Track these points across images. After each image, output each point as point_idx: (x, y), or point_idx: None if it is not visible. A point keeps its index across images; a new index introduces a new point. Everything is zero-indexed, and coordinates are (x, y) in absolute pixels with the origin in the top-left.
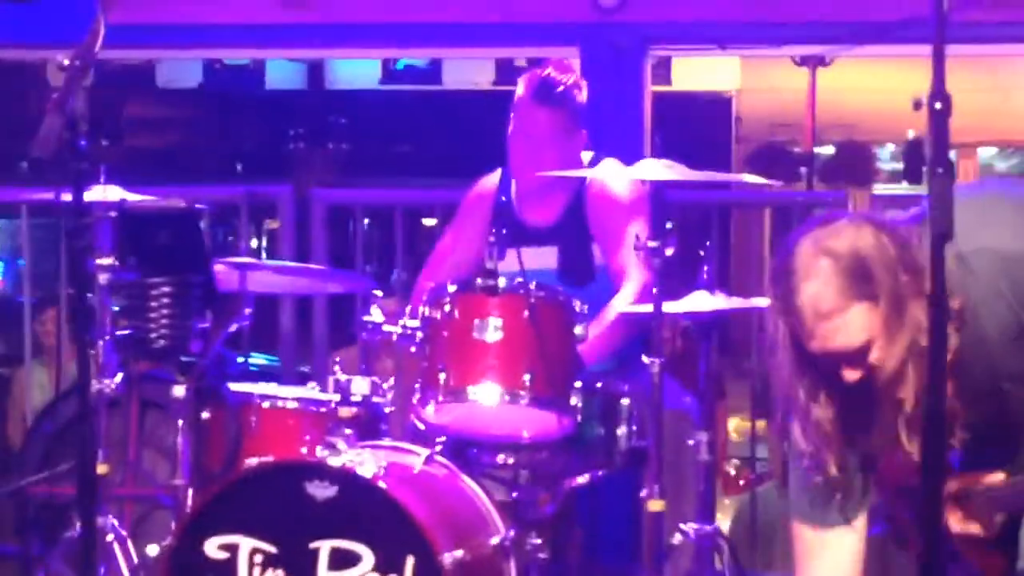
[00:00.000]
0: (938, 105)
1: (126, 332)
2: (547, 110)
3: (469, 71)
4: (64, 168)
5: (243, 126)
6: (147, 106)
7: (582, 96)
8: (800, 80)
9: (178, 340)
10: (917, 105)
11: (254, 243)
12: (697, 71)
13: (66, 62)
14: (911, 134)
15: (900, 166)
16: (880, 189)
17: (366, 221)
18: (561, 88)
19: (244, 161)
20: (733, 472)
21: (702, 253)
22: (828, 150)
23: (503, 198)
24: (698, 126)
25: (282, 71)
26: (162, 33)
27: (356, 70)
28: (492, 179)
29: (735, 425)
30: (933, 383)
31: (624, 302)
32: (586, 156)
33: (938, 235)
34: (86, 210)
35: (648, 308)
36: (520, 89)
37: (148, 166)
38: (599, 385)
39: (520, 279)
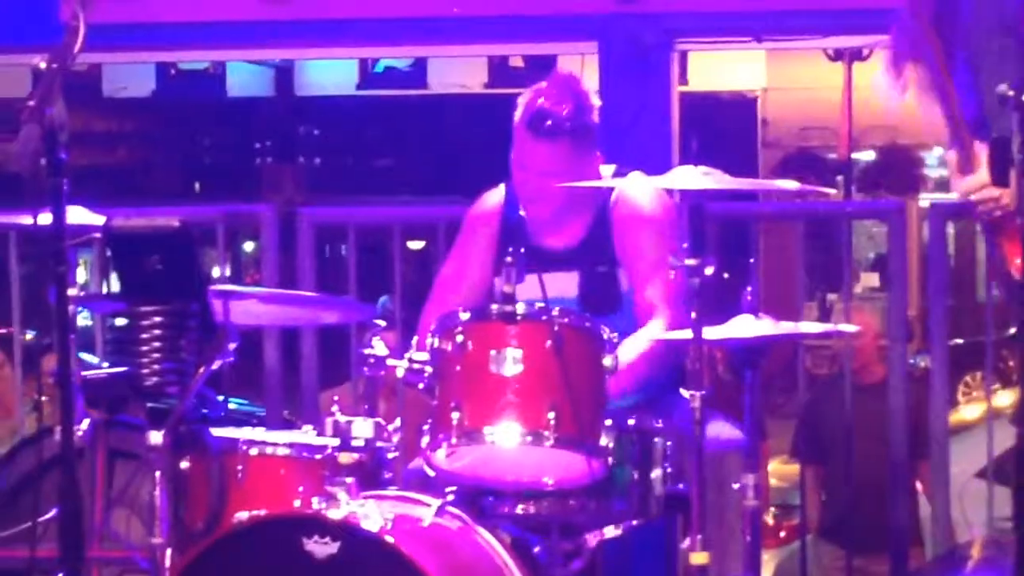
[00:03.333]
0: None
1: (113, 370)
2: (546, 144)
3: (458, 72)
4: (42, 184)
5: (202, 139)
6: (92, 119)
7: (591, 116)
8: (834, 77)
9: (169, 376)
10: (1003, 100)
11: (217, 271)
12: (718, 69)
13: (43, 65)
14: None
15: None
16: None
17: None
18: (557, 120)
19: (203, 179)
20: (772, 522)
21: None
22: (867, 156)
23: (520, 212)
24: (719, 131)
25: (246, 76)
26: (109, 33)
27: (329, 74)
28: (496, 195)
29: (772, 469)
30: None
31: (649, 339)
32: (607, 170)
33: None
34: (67, 232)
35: (685, 333)
36: (517, 114)
37: (94, 187)
38: (631, 422)
39: (541, 304)
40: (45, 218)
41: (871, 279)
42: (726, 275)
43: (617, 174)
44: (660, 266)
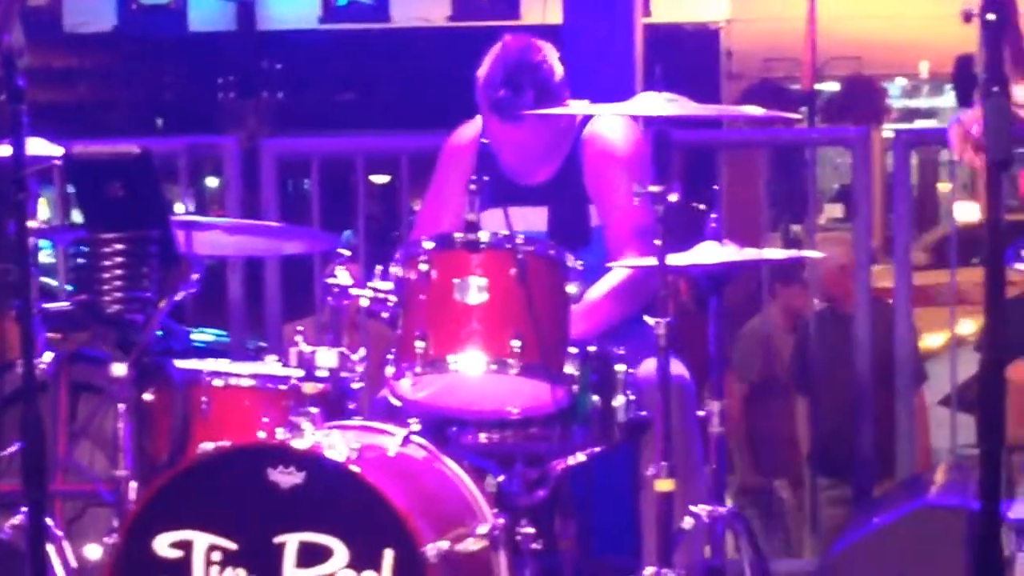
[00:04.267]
0: (991, 16)
1: (77, 299)
2: (517, 125)
3: (421, 6)
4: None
5: (164, 75)
6: (53, 54)
7: (554, 79)
8: (798, 8)
9: (131, 305)
10: (967, 17)
11: (181, 207)
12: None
13: None
14: (924, 66)
15: (913, 103)
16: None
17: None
18: (523, 105)
19: (165, 115)
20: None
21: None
22: (831, 87)
23: (483, 140)
24: (683, 62)
25: (207, 10)
26: None
27: (292, 8)
28: (472, 127)
29: None
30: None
31: (619, 279)
32: (579, 105)
33: (996, 163)
34: (27, 161)
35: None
36: (480, 94)
37: (55, 124)
38: (593, 350)
39: (505, 232)
40: (3, 149)
41: (834, 210)
42: (702, 206)
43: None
44: (631, 202)
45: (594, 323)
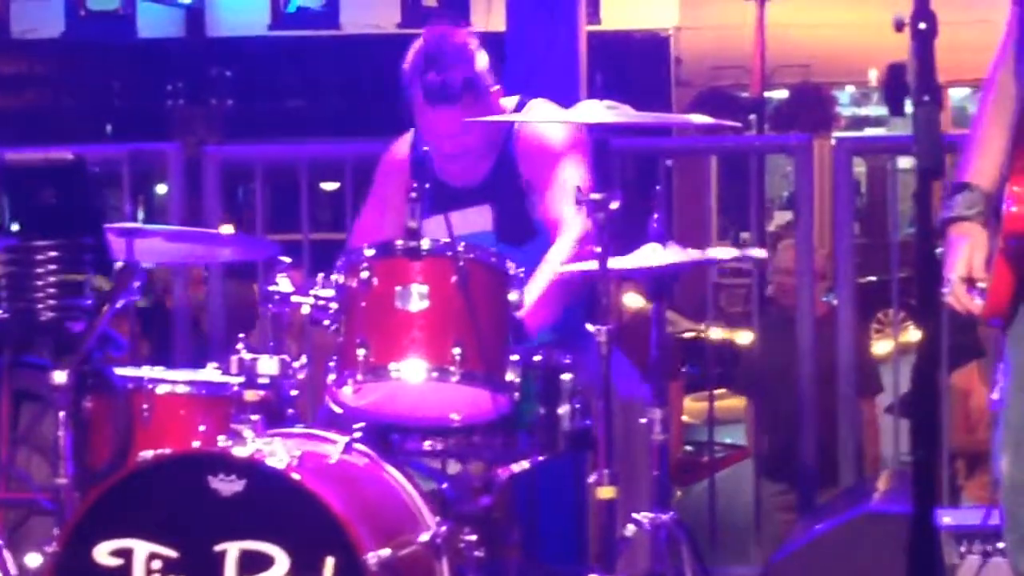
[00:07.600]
0: (922, 25)
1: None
2: (447, 109)
3: (370, 13)
4: None
5: (112, 81)
6: (0, 61)
7: (479, 65)
8: (747, 15)
9: (67, 312)
10: (899, 26)
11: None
12: (629, 6)
13: None
14: (873, 74)
15: (862, 111)
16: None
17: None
18: (453, 87)
19: (114, 121)
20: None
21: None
22: (780, 94)
23: (424, 148)
24: (632, 70)
25: (156, 17)
26: None
27: (241, 14)
28: (405, 140)
29: (685, 405)
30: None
31: (561, 255)
32: (510, 102)
33: (926, 171)
34: None
35: (591, 265)
36: (408, 84)
37: (1, 130)
38: (538, 358)
39: (447, 240)
40: None
41: (785, 217)
42: (655, 217)
43: (520, 104)
44: (566, 184)
45: (551, 310)
